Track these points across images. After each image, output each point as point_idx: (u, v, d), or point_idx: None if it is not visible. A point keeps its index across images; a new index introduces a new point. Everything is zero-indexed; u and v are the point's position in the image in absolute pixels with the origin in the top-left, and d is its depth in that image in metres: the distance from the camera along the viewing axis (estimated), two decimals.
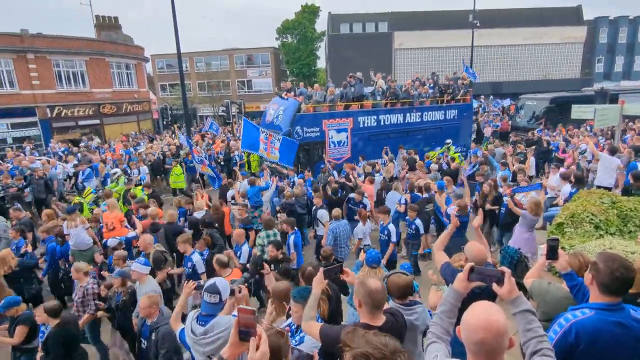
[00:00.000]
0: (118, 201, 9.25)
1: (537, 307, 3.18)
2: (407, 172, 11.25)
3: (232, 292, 3.00)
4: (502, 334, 1.63)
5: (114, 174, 12.12)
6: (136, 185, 11.06)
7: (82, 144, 20.42)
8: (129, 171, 12.93)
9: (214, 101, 37.32)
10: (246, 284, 3.19)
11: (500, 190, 7.89)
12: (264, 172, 11.33)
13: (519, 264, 5.01)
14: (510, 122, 23.08)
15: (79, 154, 16.35)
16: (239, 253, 6.38)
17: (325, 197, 8.77)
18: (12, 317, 4.65)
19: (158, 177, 14.93)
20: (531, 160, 12.14)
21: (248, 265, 6.14)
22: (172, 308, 5.79)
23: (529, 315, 1.90)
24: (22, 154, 16.68)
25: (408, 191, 8.62)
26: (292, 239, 6.58)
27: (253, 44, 51.80)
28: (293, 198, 8.77)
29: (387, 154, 12.92)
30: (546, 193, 8.12)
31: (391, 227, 6.86)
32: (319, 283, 2.69)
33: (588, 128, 17.78)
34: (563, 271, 2.91)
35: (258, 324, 1.68)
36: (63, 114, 23.99)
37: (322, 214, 7.89)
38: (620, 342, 2.26)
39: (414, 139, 14.82)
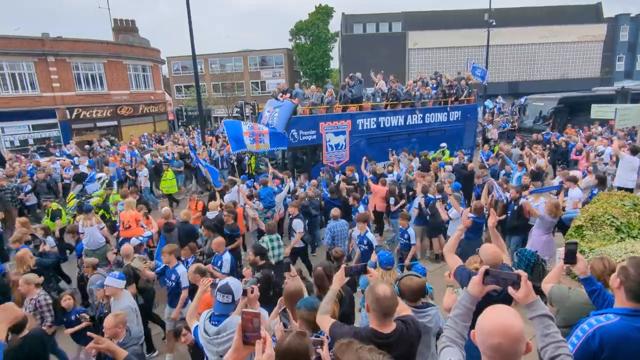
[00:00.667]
0: (100, 209, 9.23)
1: (556, 313, 3.10)
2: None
3: (245, 292, 3.01)
4: (518, 339, 1.59)
5: (99, 178, 11.84)
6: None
7: (94, 145, 20.77)
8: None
9: (228, 102, 37.70)
10: (258, 285, 3.19)
11: (507, 194, 7.69)
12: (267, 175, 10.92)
13: (535, 267, 4.90)
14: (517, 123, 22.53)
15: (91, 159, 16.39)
16: (219, 263, 5.81)
17: (339, 197, 8.74)
18: None
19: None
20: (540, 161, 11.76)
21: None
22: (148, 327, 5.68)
23: (547, 320, 1.85)
24: (36, 156, 16.98)
25: (421, 194, 8.52)
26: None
27: (267, 46, 52.09)
28: (306, 199, 8.76)
29: (392, 155, 12.37)
30: (565, 195, 7.91)
31: (411, 230, 7.02)
32: (339, 280, 2.76)
33: (604, 128, 17.27)
34: (582, 276, 2.82)
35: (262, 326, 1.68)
36: (82, 115, 24.56)
37: (297, 223, 7.35)
38: None
39: (416, 142, 14.31)
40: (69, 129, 24.02)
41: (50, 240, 7.26)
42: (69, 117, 23.93)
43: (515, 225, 7.16)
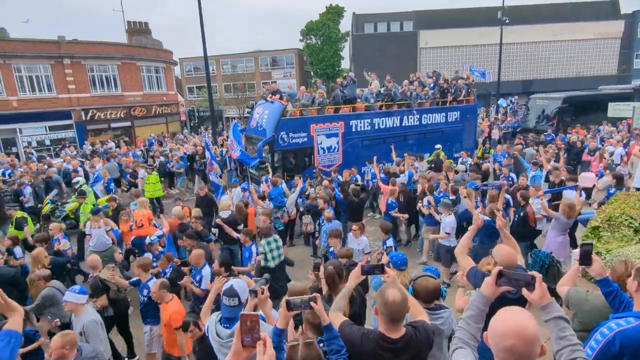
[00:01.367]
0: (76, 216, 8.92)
1: (573, 316, 3.03)
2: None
3: (255, 293, 2.98)
4: (533, 341, 1.56)
5: (76, 182, 11.41)
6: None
7: (96, 146, 20.97)
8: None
9: (239, 103, 37.95)
10: (268, 285, 3.18)
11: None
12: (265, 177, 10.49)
13: (550, 269, 4.80)
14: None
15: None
16: (198, 277, 5.29)
17: (345, 199, 8.72)
18: None
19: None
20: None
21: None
22: (128, 339, 5.57)
23: (562, 323, 1.81)
24: (32, 158, 17.20)
25: (428, 193, 8.44)
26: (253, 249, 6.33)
27: (278, 46, 52.33)
28: (317, 199, 8.75)
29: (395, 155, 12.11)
30: (580, 195, 7.75)
31: (390, 241, 6.71)
32: (355, 277, 2.76)
33: (621, 128, 16.81)
34: (598, 277, 2.76)
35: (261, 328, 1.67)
36: (97, 116, 24.98)
37: None
38: None
39: (413, 144, 13.76)
40: (84, 130, 24.46)
41: (18, 250, 6.70)
42: (84, 118, 24.37)
43: (521, 232, 6.76)
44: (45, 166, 14.48)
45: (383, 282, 3.01)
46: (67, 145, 21.85)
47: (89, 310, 4.20)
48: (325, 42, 39.82)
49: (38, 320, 5.33)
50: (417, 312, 2.64)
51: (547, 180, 9.34)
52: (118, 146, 21.95)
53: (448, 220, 7.22)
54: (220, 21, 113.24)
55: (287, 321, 2.30)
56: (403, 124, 13.69)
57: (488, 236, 6.34)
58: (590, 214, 6.85)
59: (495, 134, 20.33)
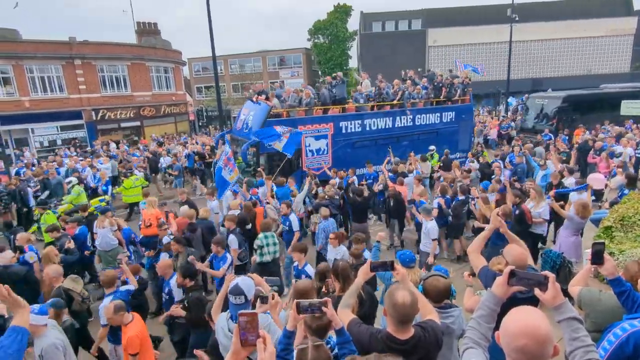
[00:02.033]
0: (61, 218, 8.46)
1: (585, 316, 3.00)
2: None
3: (265, 300, 2.98)
4: (545, 341, 1.54)
5: (69, 182, 11.30)
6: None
7: (97, 147, 21.10)
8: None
9: None
10: (273, 293, 3.18)
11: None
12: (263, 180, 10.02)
13: (561, 269, 4.76)
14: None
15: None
16: (167, 289, 5.04)
17: (349, 199, 8.68)
18: None
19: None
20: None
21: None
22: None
23: (575, 323, 1.78)
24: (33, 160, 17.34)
25: (440, 195, 8.37)
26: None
27: (285, 46, 52.41)
28: (326, 199, 8.76)
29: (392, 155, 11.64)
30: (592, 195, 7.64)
31: (431, 225, 6.86)
32: (364, 274, 2.73)
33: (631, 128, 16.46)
34: (610, 277, 2.72)
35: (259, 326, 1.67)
36: (107, 116, 25.30)
37: (231, 240, 6.59)
38: None
39: (407, 145, 13.10)
40: (94, 130, 24.80)
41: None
42: (94, 118, 24.70)
43: (517, 231, 6.44)
44: (56, 165, 14.70)
45: (391, 277, 2.99)
46: (70, 146, 22.07)
47: (49, 333, 3.69)
48: (333, 41, 39.78)
49: None
50: (427, 311, 2.62)
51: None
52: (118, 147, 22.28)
53: (429, 226, 6.91)
54: (228, 21, 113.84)
55: (296, 323, 2.29)
56: (396, 125, 13.20)
57: (501, 238, 6.24)
58: (602, 214, 6.75)
59: (493, 134, 20.12)
